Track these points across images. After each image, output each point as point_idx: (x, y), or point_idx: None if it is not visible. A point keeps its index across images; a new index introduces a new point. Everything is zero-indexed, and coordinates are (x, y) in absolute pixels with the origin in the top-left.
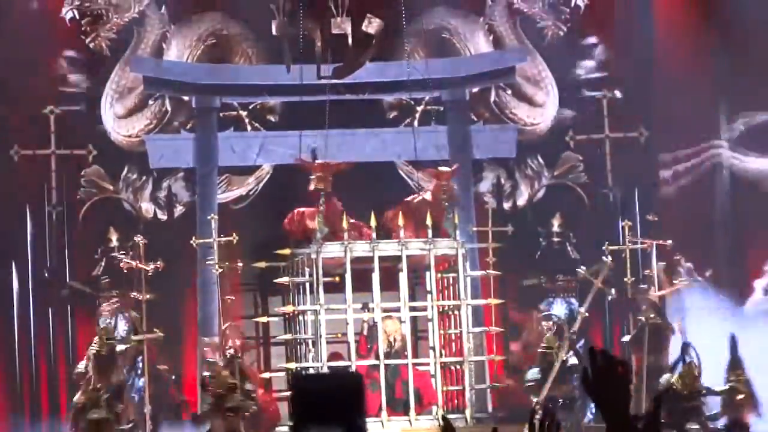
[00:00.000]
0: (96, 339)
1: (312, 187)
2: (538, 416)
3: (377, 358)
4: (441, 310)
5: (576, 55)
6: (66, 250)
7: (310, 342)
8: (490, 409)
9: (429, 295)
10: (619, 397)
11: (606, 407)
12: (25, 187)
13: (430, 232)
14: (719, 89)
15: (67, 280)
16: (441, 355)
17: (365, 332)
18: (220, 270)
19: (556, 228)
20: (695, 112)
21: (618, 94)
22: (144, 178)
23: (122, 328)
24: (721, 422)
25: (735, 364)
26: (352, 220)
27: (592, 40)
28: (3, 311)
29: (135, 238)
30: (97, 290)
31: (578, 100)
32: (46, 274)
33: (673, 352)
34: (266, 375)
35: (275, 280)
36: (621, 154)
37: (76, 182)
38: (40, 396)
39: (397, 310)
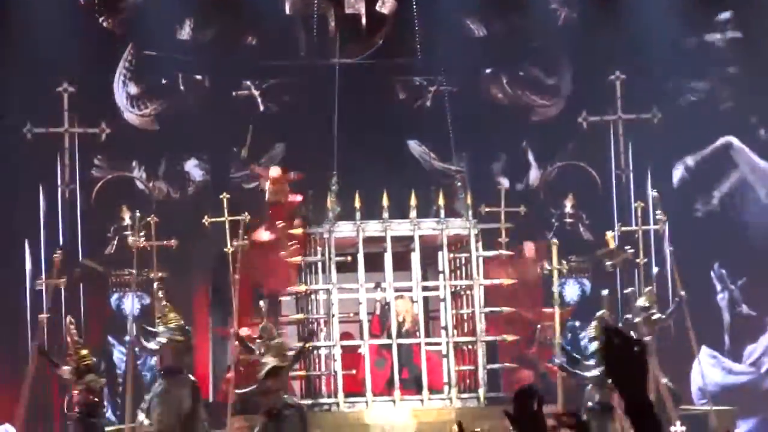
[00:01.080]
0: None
1: (267, 198)
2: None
3: (389, 337)
4: (453, 290)
5: (590, 36)
6: (79, 229)
7: (322, 321)
8: (502, 388)
9: (441, 275)
10: (636, 375)
11: (623, 386)
12: (38, 165)
13: (442, 212)
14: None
15: (80, 258)
16: (453, 335)
17: (378, 312)
18: (232, 249)
19: (568, 209)
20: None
21: (630, 75)
22: (157, 157)
23: (135, 306)
24: None
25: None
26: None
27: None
28: (16, 289)
29: (147, 218)
30: (109, 269)
31: (591, 82)
32: (59, 253)
33: None
34: None
35: (288, 260)
36: (634, 135)
37: (89, 161)
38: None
39: (410, 289)
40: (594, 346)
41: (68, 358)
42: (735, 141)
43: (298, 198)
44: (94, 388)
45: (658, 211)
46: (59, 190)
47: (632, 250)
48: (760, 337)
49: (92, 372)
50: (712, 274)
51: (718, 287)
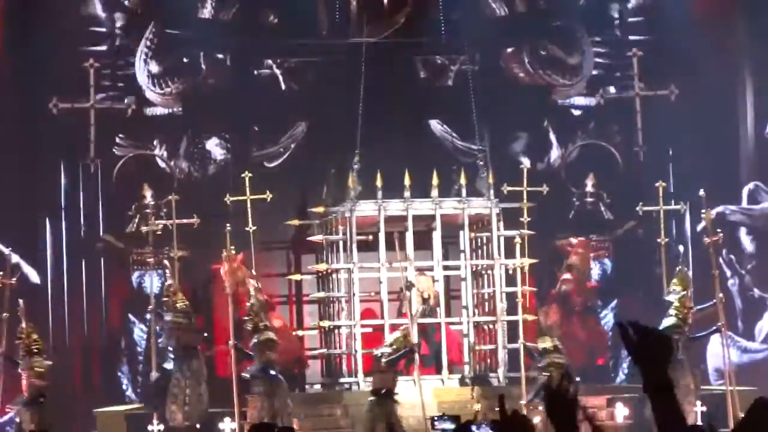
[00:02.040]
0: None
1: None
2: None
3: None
4: (474, 269)
5: (611, 16)
6: (100, 206)
7: (343, 300)
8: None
9: (462, 254)
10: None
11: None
12: (62, 140)
13: (464, 191)
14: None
15: (101, 234)
16: (474, 315)
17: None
18: (254, 228)
19: (589, 188)
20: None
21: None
22: (178, 135)
23: (155, 284)
24: None
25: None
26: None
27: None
28: (37, 263)
29: (169, 196)
30: (129, 247)
31: (611, 59)
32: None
33: None
34: (300, 333)
35: (309, 238)
36: (652, 112)
37: (113, 138)
38: (72, 348)
39: (431, 269)
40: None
41: (19, 341)
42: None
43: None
44: (38, 370)
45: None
46: (81, 165)
47: (634, 223)
48: (764, 314)
49: (40, 355)
50: (720, 260)
51: (728, 273)
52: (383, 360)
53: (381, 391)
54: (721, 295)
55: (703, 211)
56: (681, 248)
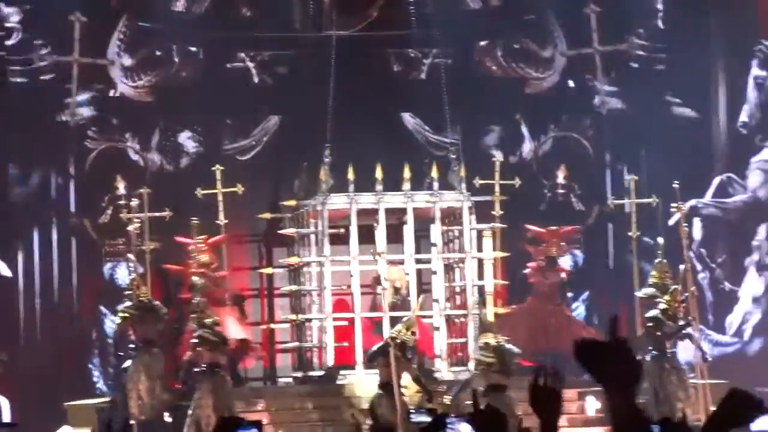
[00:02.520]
0: None
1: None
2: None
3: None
4: (446, 263)
5: (584, 8)
6: (73, 198)
7: (314, 293)
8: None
9: (434, 248)
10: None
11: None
12: None
13: (436, 184)
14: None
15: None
16: (445, 308)
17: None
18: (226, 222)
19: (561, 180)
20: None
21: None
22: (151, 128)
23: (125, 275)
24: None
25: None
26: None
27: None
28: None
29: (142, 189)
30: (102, 238)
31: (586, 53)
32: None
33: None
34: (271, 326)
35: (280, 232)
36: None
37: (84, 132)
38: (43, 340)
39: (402, 262)
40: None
41: None
42: None
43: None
44: None
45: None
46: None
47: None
48: (735, 307)
49: None
50: (691, 253)
51: (699, 266)
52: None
53: (388, 384)
54: (693, 288)
55: (673, 205)
56: (661, 240)
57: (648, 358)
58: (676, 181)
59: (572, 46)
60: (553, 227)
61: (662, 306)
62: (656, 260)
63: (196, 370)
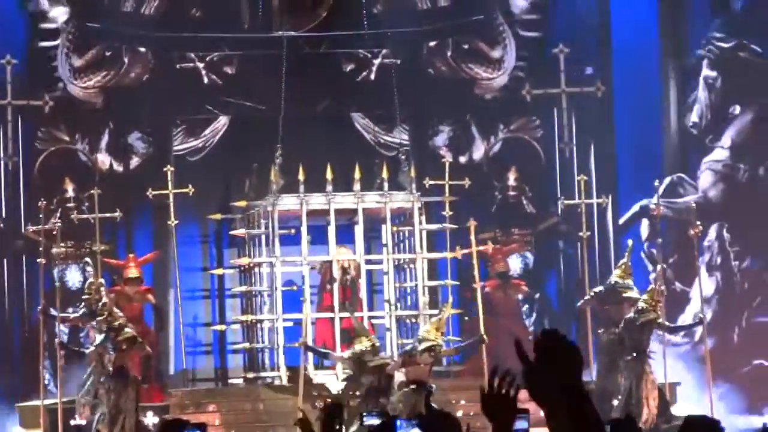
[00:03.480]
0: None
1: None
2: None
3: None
4: (396, 263)
5: (535, 8)
6: (22, 201)
7: (265, 294)
8: (444, 363)
9: (384, 249)
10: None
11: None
12: None
13: (386, 185)
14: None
15: (23, 230)
16: (396, 309)
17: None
18: (176, 222)
19: (511, 182)
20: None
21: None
22: (100, 129)
23: (77, 278)
24: None
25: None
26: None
27: None
28: None
29: (91, 190)
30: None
31: (535, 54)
32: (1, 225)
33: None
34: (221, 327)
35: (231, 232)
36: (577, 108)
37: (33, 133)
38: None
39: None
40: None
41: None
42: None
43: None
44: None
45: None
46: (2, 162)
47: (555, 219)
48: (686, 308)
49: None
50: (642, 253)
51: (650, 266)
52: (418, 351)
53: (414, 383)
54: (663, 287)
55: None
56: (630, 242)
57: (628, 358)
58: (656, 180)
59: (524, 48)
60: (497, 245)
61: (641, 305)
62: (621, 261)
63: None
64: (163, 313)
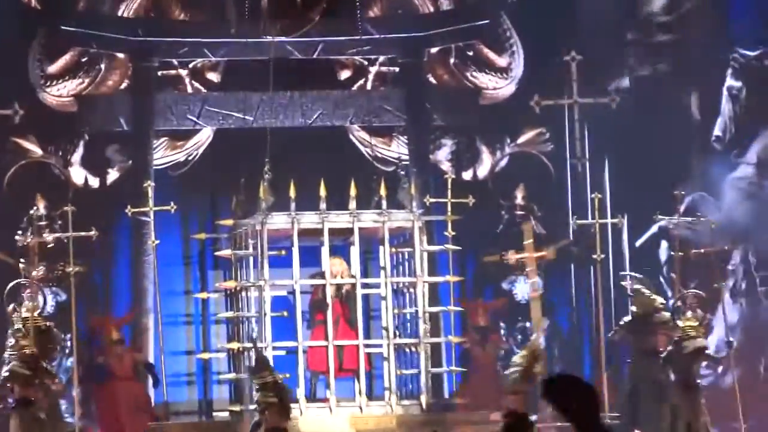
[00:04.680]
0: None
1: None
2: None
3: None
4: (395, 287)
5: (544, 14)
6: None
7: (253, 320)
8: (446, 395)
9: (382, 271)
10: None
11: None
12: None
13: (384, 202)
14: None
15: None
16: (395, 336)
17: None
18: (157, 242)
19: (519, 200)
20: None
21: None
22: (75, 141)
23: (49, 302)
24: None
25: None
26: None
27: None
28: None
29: (65, 207)
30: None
31: (545, 63)
32: None
33: None
34: (205, 355)
35: (216, 253)
36: (591, 120)
37: (2, 145)
38: None
39: (350, 285)
40: None
41: None
42: None
43: None
44: None
45: None
46: None
47: (567, 241)
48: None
49: None
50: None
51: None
52: (513, 380)
53: (514, 412)
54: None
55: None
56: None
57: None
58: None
59: (533, 56)
60: (479, 299)
61: (688, 332)
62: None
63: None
64: (153, 368)
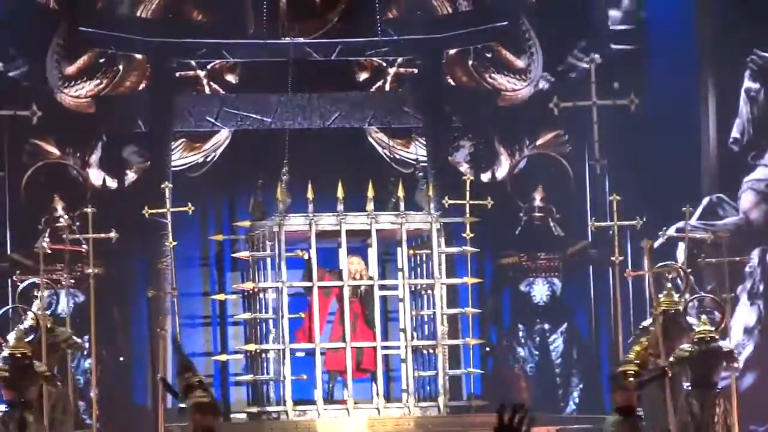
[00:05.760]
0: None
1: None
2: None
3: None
4: (413, 289)
5: (564, 15)
6: (7, 220)
7: (271, 322)
8: (465, 397)
9: (400, 273)
10: None
11: None
12: None
13: (402, 204)
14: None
15: (8, 252)
16: (412, 338)
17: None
18: (174, 243)
19: (537, 202)
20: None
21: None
22: (93, 142)
23: (65, 303)
24: None
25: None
26: None
27: None
28: None
29: (85, 209)
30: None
31: (564, 64)
32: None
33: None
34: (223, 357)
35: (234, 255)
36: (609, 122)
37: (20, 146)
38: None
39: (367, 287)
40: None
41: None
42: None
43: None
44: None
45: None
46: None
47: (586, 242)
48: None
49: None
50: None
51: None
52: (630, 376)
53: (625, 409)
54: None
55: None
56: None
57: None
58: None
59: (552, 58)
60: None
61: (708, 334)
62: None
63: None
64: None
